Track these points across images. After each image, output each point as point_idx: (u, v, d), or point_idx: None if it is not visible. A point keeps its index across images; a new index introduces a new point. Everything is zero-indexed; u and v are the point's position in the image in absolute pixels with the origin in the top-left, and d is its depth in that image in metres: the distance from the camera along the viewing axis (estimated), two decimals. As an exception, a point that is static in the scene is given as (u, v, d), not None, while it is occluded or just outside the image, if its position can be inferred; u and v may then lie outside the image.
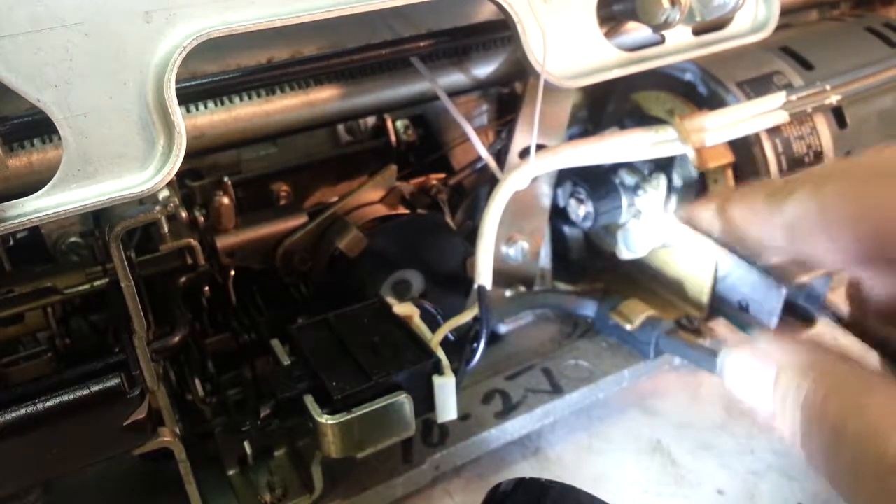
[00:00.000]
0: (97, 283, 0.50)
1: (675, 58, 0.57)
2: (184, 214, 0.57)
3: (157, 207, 0.43)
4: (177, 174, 0.41)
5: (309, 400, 0.49)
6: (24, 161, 0.49)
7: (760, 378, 0.31)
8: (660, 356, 0.67)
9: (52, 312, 0.51)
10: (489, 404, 0.64)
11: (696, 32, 0.59)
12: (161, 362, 0.50)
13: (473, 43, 0.63)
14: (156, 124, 0.40)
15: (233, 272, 0.62)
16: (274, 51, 0.58)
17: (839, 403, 0.27)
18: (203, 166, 0.64)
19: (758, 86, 0.65)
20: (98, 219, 0.53)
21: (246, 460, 0.58)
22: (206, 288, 0.59)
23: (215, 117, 0.56)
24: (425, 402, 0.52)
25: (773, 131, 0.64)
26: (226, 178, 0.62)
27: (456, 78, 0.63)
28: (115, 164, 0.40)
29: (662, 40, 0.58)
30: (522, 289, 0.73)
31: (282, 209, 0.66)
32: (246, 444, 0.57)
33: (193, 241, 0.53)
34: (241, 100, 0.57)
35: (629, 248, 0.70)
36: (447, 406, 0.53)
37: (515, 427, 0.62)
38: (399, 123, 0.71)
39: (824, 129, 0.66)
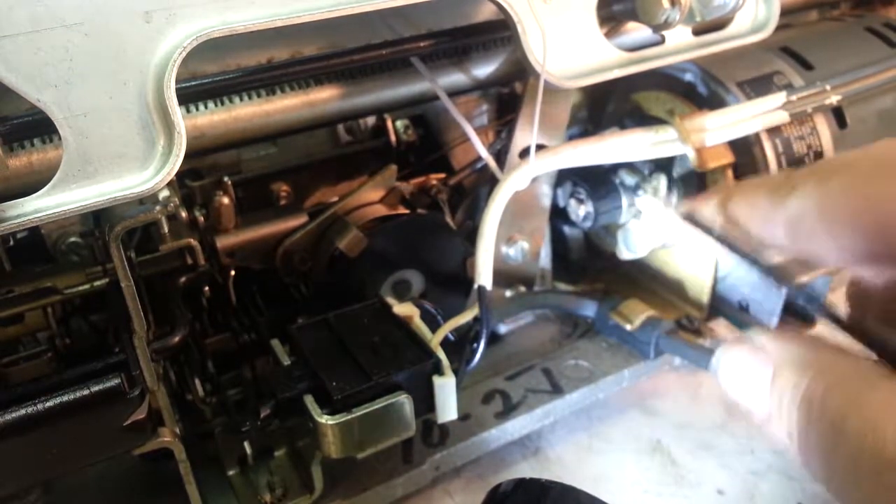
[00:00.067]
0: (97, 283, 0.50)
1: (675, 58, 0.57)
2: (184, 214, 0.57)
3: (157, 207, 0.43)
4: (177, 174, 0.41)
5: (309, 400, 0.49)
6: (24, 161, 0.49)
7: (757, 377, 0.30)
8: (660, 356, 0.67)
9: (52, 312, 0.51)
10: (489, 404, 0.64)
11: (696, 32, 0.59)
12: (161, 362, 0.50)
13: (473, 43, 0.63)
14: (156, 124, 0.40)
15: (233, 272, 0.62)
16: (274, 51, 0.58)
17: (839, 399, 0.27)
18: (203, 166, 0.64)
19: (758, 86, 0.65)
20: (98, 219, 0.53)
21: (246, 460, 0.58)
22: (206, 288, 0.59)
23: (215, 117, 0.56)
24: (425, 402, 0.52)
25: (774, 131, 0.64)
26: (226, 178, 0.62)
27: (456, 78, 0.63)
28: (115, 164, 0.40)
29: (662, 40, 0.58)
30: (522, 289, 0.73)
31: (282, 209, 0.66)
32: (246, 444, 0.57)
33: (193, 241, 0.53)
34: (241, 100, 0.57)
35: (629, 248, 0.70)
36: (447, 406, 0.53)
37: (515, 427, 0.62)
38: (399, 123, 0.71)
39: (824, 129, 0.66)
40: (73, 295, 0.50)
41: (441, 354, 0.52)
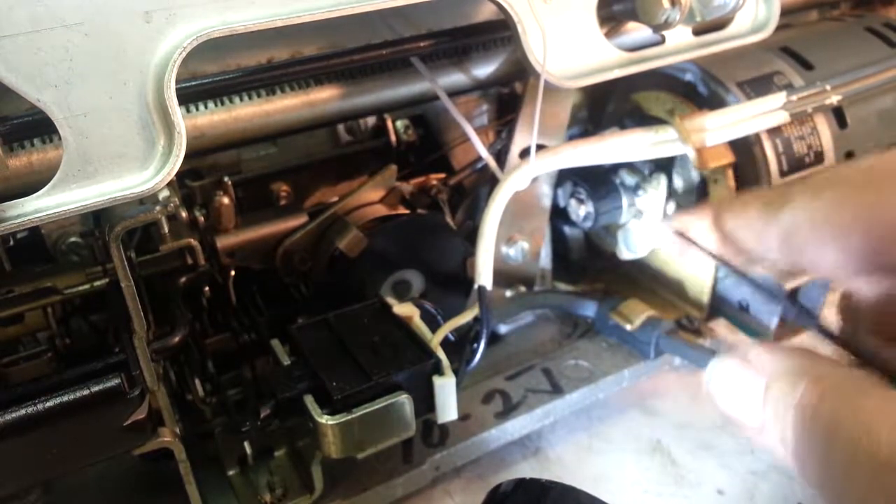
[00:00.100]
0: (97, 283, 0.50)
1: (675, 58, 0.57)
2: (184, 214, 0.57)
3: (158, 207, 0.43)
4: (177, 174, 0.41)
5: (309, 400, 0.49)
6: (24, 161, 0.49)
7: (749, 388, 0.31)
8: (660, 356, 0.67)
9: (52, 312, 0.51)
10: (489, 404, 0.64)
11: (697, 32, 0.59)
12: (161, 362, 0.50)
13: (473, 43, 0.63)
14: (156, 124, 0.40)
15: (233, 272, 0.62)
16: (274, 51, 0.58)
17: (833, 404, 0.27)
18: (203, 166, 0.64)
19: (758, 86, 0.65)
20: (98, 219, 0.53)
21: (246, 460, 0.58)
22: (206, 288, 0.59)
23: (215, 117, 0.56)
24: (425, 402, 0.52)
25: (774, 131, 0.64)
26: (226, 178, 0.62)
27: (456, 78, 0.63)
28: (115, 164, 0.40)
29: (663, 40, 0.58)
30: (522, 289, 0.73)
31: (282, 209, 0.66)
32: (246, 444, 0.57)
33: (193, 241, 0.53)
34: (241, 100, 0.57)
35: (629, 248, 0.70)
36: (447, 406, 0.53)
37: (515, 427, 0.62)
38: (399, 123, 0.71)
39: (825, 129, 0.66)
40: (73, 295, 0.50)
41: (441, 354, 0.52)
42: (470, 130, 0.62)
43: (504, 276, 0.70)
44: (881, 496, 0.24)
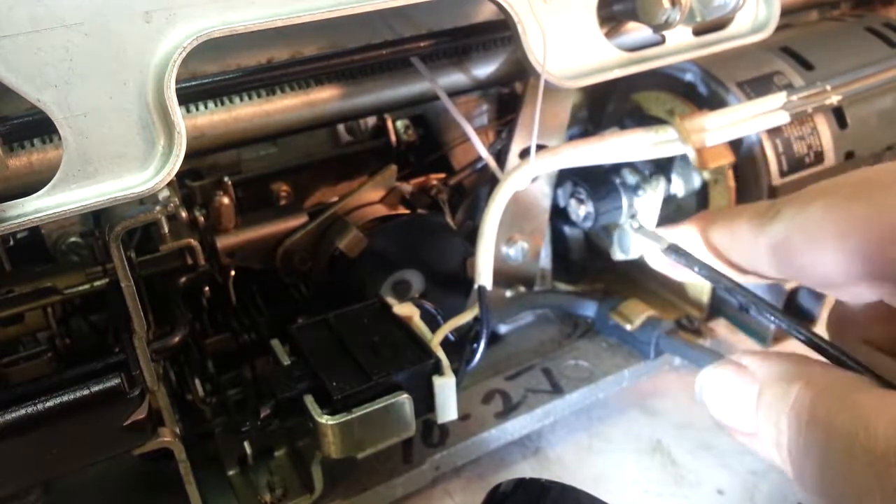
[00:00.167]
0: (97, 283, 0.50)
1: (675, 58, 0.57)
2: (184, 214, 0.57)
3: (157, 207, 0.43)
4: (177, 174, 0.41)
5: (309, 400, 0.49)
6: (24, 161, 0.49)
7: (742, 395, 0.31)
8: (660, 356, 0.67)
9: (52, 312, 0.51)
10: (489, 404, 0.64)
11: (697, 33, 0.59)
12: (161, 362, 0.50)
13: (473, 43, 0.63)
14: (156, 124, 0.40)
15: (233, 272, 0.62)
16: (274, 51, 0.58)
17: (828, 403, 0.27)
18: (203, 166, 0.64)
19: (758, 86, 0.65)
20: (98, 219, 0.53)
21: (246, 460, 0.58)
22: (206, 288, 0.59)
23: (215, 117, 0.56)
24: (425, 402, 0.52)
25: (774, 131, 0.64)
26: (226, 178, 0.62)
27: (456, 78, 0.63)
28: (115, 165, 0.40)
29: (663, 40, 0.58)
30: (522, 289, 0.73)
31: (282, 209, 0.66)
32: (246, 444, 0.57)
33: (193, 241, 0.53)
34: (241, 100, 0.57)
35: (622, 249, 0.70)
36: (447, 406, 0.53)
37: (515, 427, 0.62)
38: (399, 123, 0.71)
39: (825, 129, 0.66)
40: (73, 295, 0.50)
41: (441, 354, 0.52)
42: (470, 130, 0.62)
43: (504, 276, 0.70)
44: (879, 491, 0.24)
